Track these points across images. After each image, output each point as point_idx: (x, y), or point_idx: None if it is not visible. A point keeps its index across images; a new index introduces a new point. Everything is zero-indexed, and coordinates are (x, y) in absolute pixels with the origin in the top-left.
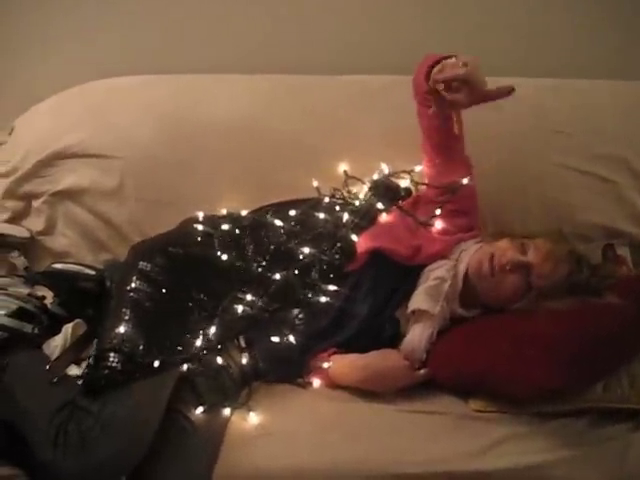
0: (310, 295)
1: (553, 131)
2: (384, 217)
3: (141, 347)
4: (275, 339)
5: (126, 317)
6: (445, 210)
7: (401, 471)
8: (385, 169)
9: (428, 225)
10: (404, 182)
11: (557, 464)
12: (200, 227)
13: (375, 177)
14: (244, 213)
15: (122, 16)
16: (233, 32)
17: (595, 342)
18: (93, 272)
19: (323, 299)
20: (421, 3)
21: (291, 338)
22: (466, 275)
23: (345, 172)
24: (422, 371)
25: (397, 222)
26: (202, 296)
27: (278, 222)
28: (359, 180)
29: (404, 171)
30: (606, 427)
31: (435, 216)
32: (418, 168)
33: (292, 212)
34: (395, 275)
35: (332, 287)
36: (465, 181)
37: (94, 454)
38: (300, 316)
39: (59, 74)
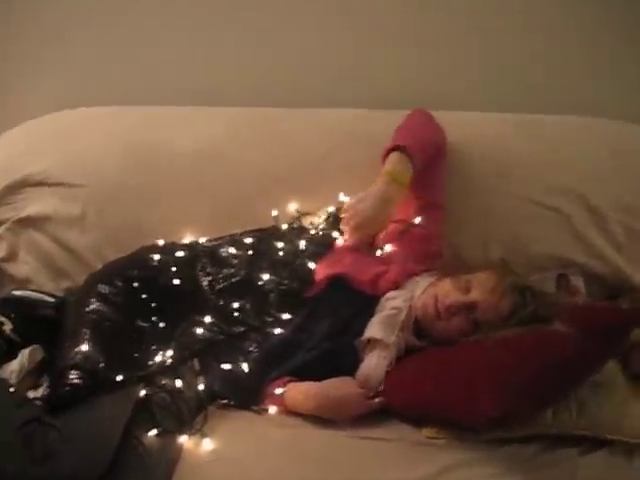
0: (266, 323)
1: (509, 164)
2: (340, 245)
3: (102, 364)
4: (227, 366)
5: (86, 336)
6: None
7: None
8: (342, 199)
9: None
10: None
11: None
12: (156, 255)
13: (330, 209)
14: (202, 240)
15: (95, 48)
16: (201, 66)
17: (542, 370)
18: (52, 299)
19: (279, 328)
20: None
21: (244, 366)
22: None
23: (297, 211)
24: (376, 399)
25: (354, 250)
26: (159, 318)
27: (233, 250)
28: (312, 215)
29: None
30: (555, 452)
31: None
32: None
33: (248, 240)
34: (354, 303)
35: (287, 315)
36: (417, 220)
37: (59, 465)
38: (255, 344)
39: (31, 102)
